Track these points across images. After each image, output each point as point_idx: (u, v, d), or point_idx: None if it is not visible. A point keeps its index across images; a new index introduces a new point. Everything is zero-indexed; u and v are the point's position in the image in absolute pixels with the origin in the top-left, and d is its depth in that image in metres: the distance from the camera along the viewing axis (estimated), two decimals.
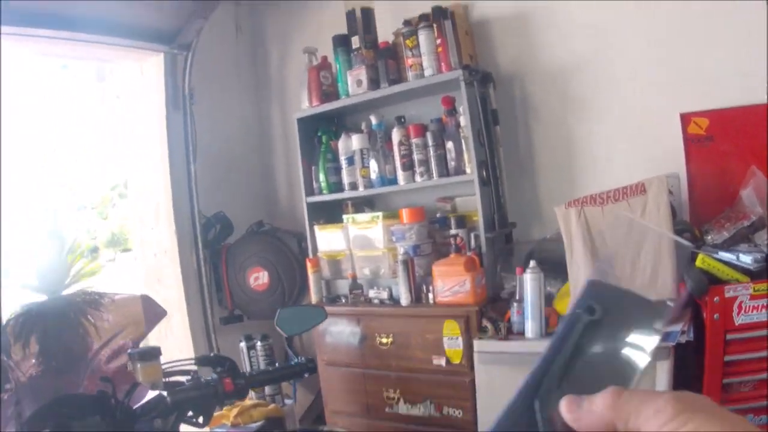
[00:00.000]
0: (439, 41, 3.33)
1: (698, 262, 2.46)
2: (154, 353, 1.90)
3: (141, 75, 3.98)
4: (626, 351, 0.52)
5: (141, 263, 4.21)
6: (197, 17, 3.67)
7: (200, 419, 1.83)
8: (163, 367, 1.94)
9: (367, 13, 3.65)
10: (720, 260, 2.45)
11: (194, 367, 2.04)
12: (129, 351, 1.89)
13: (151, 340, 2.62)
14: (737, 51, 2.94)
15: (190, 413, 1.85)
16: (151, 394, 1.84)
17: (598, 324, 0.53)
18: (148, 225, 4.07)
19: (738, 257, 2.42)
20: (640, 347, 0.52)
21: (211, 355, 2.09)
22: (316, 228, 3.85)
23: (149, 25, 3.63)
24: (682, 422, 0.42)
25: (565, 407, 0.49)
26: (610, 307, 0.54)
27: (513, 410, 0.52)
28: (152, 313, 2.29)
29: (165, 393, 1.83)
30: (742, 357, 2.40)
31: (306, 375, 2.09)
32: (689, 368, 2.49)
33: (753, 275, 2.37)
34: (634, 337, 0.52)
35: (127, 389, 1.88)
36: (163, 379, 1.93)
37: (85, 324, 2.13)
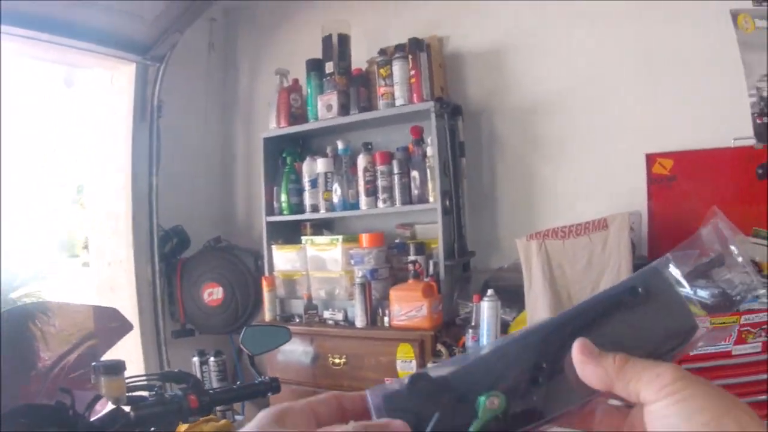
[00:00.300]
0: (413, 72, 3.38)
1: None
2: (119, 367, 1.85)
3: (110, 83, 3.94)
4: (642, 347, 0.53)
5: (95, 271, 4.15)
6: (173, 31, 3.66)
7: None
8: (127, 381, 1.91)
9: (344, 40, 3.68)
10: None
11: (158, 383, 2.04)
12: (93, 364, 1.86)
13: None
14: (703, 96, 3.07)
15: (153, 429, 1.84)
16: (110, 408, 1.83)
17: (632, 306, 0.54)
18: (105, 234, 4.02)
19: (696, 292, 2.53)
20: (654, 351, 0.53)
21: (176, 371, 2.08)
22: (274, 247, 3.86)
23: (124, 33, 3.59)
24: (680, 387, 0.45)
25: (578, 348, 0.50)
26: (652, 300, 0.56)
27: (515, 342, 0.54)
28: (119, 326, 2.29)
29: (128, 408, 1.83)
30: None
31: (270, 394, 2.11)
32: None
33: (710, 309, 2.47)
34: (655, 339, 0.54)
35: (88, 402, 1.87)
36: (127, 394, 1.91)
37: (42, 333, 2.12)
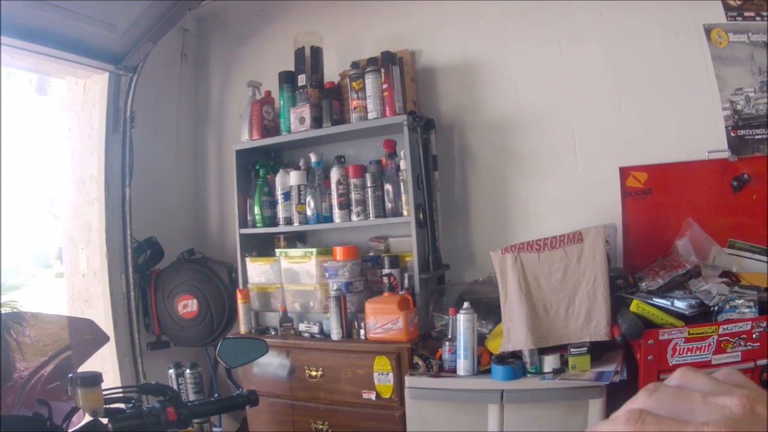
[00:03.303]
0: (385, 86, 3.41)
1: (633, 307, 2.61)
2: (96, 379, 1.85)
3: (84, 93, 3.92)
4: None
5: (69, 282, 4.12)
6: (146, 41, 3.64)
7: None
8: (104, 393, 1.90)
9: (316, 53, 3.71)
10: (655, 305, 2.61)
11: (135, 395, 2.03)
12: (70, 375, 1.85)
13: None
14: (677, 110, 3.15)
15: None
16: (87, 420, 1.83)
17: None
18: (79, 245, 4.00)
19: (673, 303, 2.59)
20: None
21: (154, 383, 2.08)
22: (248, 260, 3.86)
23: (97, 43, 3.54)
24: None
25: None
26: None
27: None
28: (95, 337, 2.29)
29: (106, 420, 1.82)
30: None
31: (248, 407, 2.12)
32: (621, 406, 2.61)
33: (688, 320, 2.53)
34: None
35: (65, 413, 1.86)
36: (104, 406, 1.90)
37: (17, 343, 2.11)
